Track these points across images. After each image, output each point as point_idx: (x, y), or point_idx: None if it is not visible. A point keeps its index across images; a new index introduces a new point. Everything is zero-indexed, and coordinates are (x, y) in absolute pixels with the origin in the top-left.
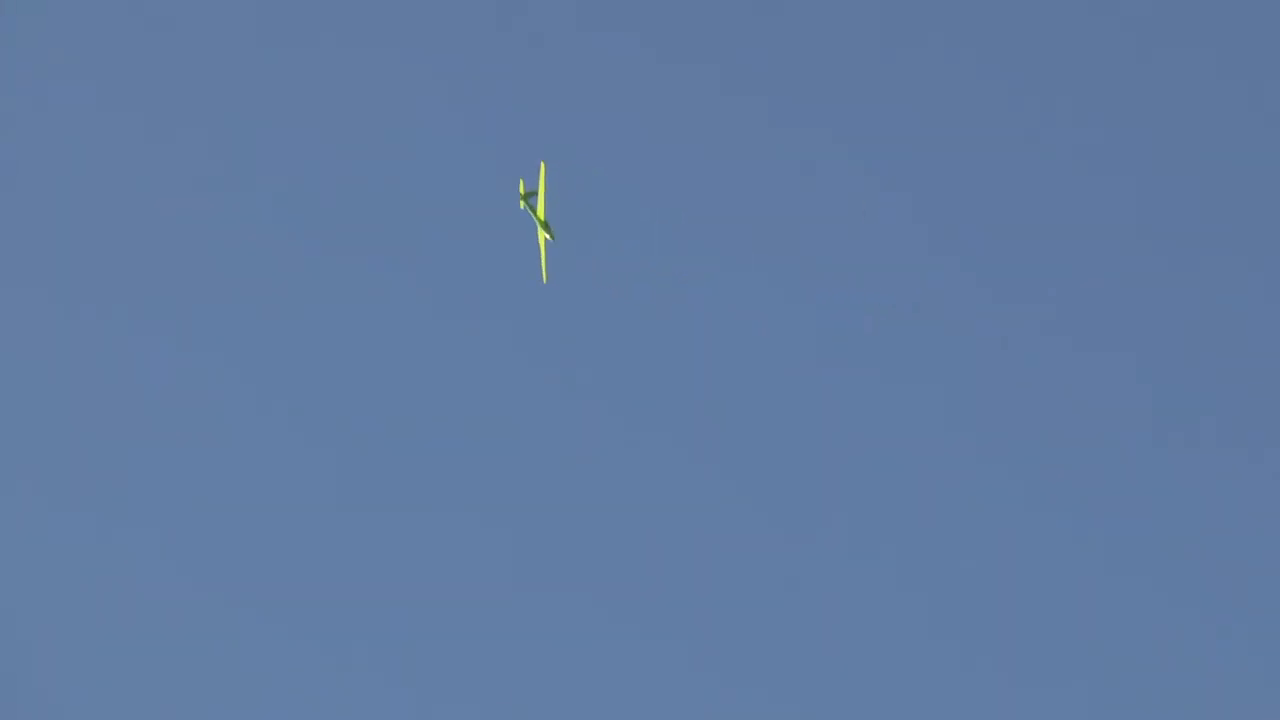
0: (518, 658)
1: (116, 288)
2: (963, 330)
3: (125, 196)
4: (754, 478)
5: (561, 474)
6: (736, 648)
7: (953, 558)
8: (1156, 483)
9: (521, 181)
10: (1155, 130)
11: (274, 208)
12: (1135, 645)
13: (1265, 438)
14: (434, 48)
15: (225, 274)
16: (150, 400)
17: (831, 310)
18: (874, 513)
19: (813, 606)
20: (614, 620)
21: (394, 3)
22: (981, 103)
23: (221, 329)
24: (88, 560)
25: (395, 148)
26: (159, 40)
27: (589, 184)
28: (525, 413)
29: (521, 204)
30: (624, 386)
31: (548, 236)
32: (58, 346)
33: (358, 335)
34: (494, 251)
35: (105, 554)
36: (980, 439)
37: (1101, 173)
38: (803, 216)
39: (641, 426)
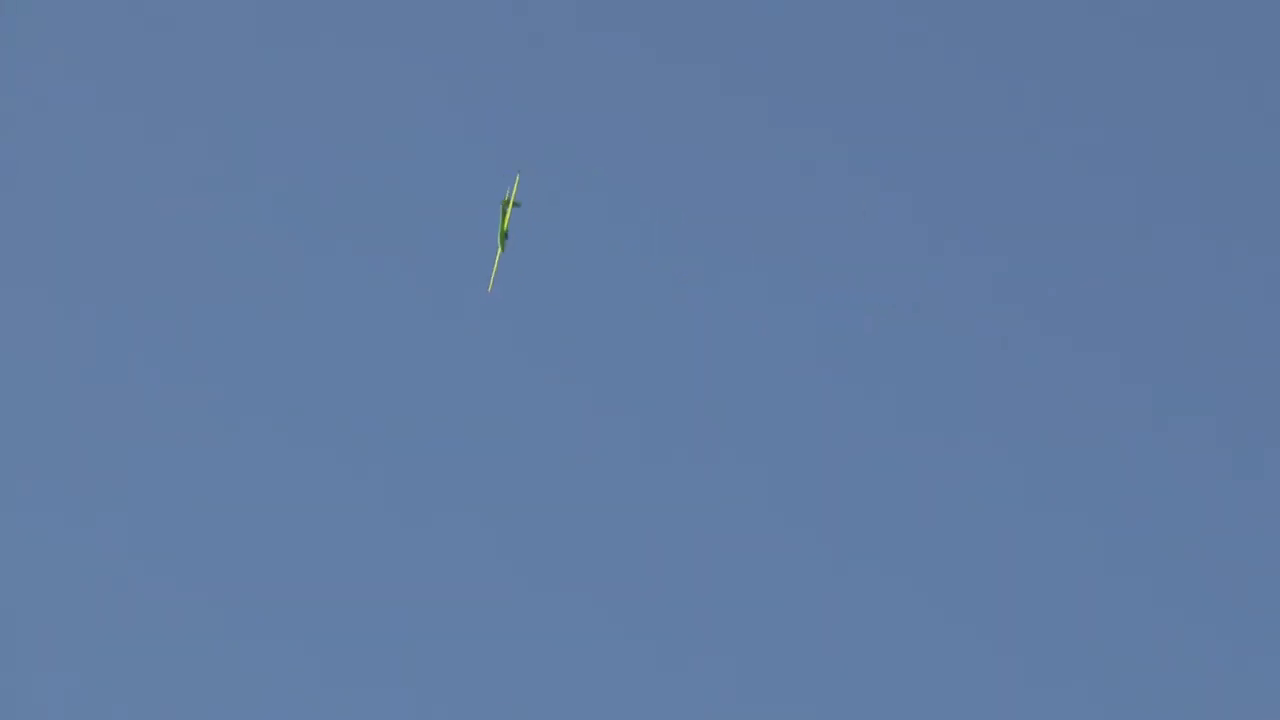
0: (518, 658)
1: (116, 288)
2: (963, 330)
3: (125, 196)
4: (753, 478)
5: (561, 474)
6: (736, 648)
7: (952, 558)
8: (1156, 483)
9: (508, 190)
10: (1155, 130)
11: (274, 208)
12: (1135, 645)
13: (1265, 438)
14: (434, 48)
15: (225, 274)
16: (149, 400)
17: (831, 310)
18: (873, 513)
19: (812, 606)
20: (614, 620)
21: (394, 3)
22: (981, 103)
23: (221, 329)
24: (86, 561)
25: (395, 148)
26: (159, 40)
27: (588, 184)
28: (525, 413)
29: (501, 209)
30: (624, 386)
31: (499, 249)
32: (57, 346)
33: (357, 335)
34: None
35: (104, 555)
36: (980, 439)
37: (1101, 173)
38: (803, 216)
39: (641, 427)
